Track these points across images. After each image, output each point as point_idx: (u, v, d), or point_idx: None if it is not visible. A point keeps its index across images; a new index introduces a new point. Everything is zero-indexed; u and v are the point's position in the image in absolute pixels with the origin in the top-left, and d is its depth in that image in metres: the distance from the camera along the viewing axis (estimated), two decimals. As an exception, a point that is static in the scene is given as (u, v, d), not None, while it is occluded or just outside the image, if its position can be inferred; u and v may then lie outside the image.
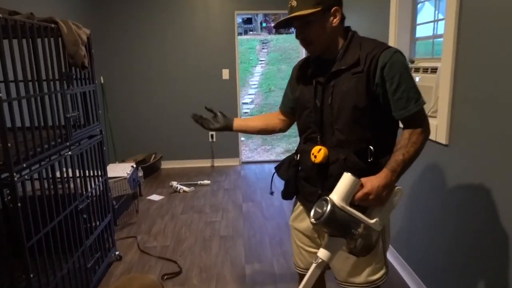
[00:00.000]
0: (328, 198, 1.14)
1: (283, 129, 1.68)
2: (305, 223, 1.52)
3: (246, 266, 2.62)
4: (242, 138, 5.69)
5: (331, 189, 1.21)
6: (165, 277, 2.50)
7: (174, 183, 4.20)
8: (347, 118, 1.28)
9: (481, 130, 1.65)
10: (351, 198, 1.17)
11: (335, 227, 1.14)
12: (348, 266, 1.41)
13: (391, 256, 2.64)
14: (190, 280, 2.44)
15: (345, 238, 1.15)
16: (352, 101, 1.26)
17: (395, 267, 2.56)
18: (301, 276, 1.61)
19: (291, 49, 14.20)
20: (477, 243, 1.71)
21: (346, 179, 1.17)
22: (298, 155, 1.47)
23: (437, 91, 2.03)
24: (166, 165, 5.05)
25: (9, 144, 1.52)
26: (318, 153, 1.33)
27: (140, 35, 4.74)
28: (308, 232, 1.52)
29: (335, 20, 1.28)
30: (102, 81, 4.72)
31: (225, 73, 4.92)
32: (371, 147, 1.29)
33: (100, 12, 4.62)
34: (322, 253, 1.18)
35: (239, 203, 3.76)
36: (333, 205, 1.13)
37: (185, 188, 4.14)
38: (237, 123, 1.63)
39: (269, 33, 18.58)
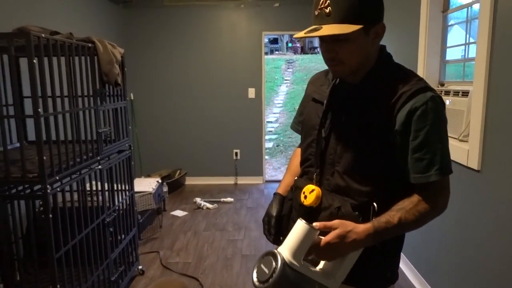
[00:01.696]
0: (277, 254, 0.91)
1: None
2: None
3: (268, 287, 2.58)
4: (267, 157, 5.70)
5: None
6: (186, 294, 2.49)
7: (198, 200, 4.23)
8: (352, 161, 1.05)
9: (516, 157, 1.59)
10: (305, 252, 0.94)
11: None
12: None
13: (418, 282, 2.55)
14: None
15: None
16: (362, 140, 1.04)
17: (422, 295, 2.46)
18: None
19: (316, 69, 14.23)
20: (508, 276, 1.63)
21: (300, 228, 0.93)
22: (293, 189, 1.24)
23: (468, 115, 1.99)
24: (190, 181, 5.10)
25: (44, 157, 1.58)
26: (310, 194, 1.10)
27: (168, 54, 4.88)
28: None
29: (376, 39, 1.03)
30: (132, 98, 4.86)
31: (251, 92, 4.98)
32: (375, 204, 1.04)
33: (130, 32, 4.80)
34: None
35: (261, 222, 3.73)
36: (284, 264, 0.89)
37: (208, 205, 4.16)
38: (283, 192, 1.32)
39: (295, 53, 18.79)
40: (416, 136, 0.99)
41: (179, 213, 4.02)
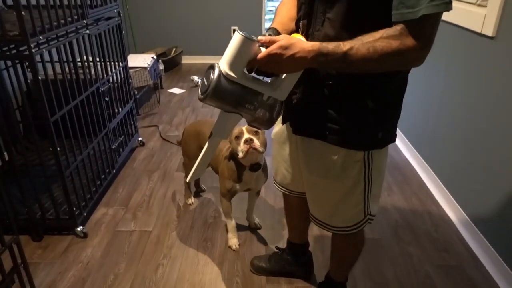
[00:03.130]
0: (215, 65, 0.93)
1: None
2: (277, 127, 1.34)
3: (266, 158, 2.66)
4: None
5: (305, 97, 1.04)
6: (186, 163, 2.59)
7: (195, 78, 4.14)
8: (346, 5, 0.93)
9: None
10: (245, 64, 0.92)
11: (224, 100, 0.94)
12: (316, 199, 1.23)
13: (410, 154, 2.63)
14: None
15: (239, 113, 0.98)
16: None
17: (416, 170, 2.56)
18: (284, 196, 1.52)
19: None
20: None
21: (236, 40, 0.90)
22: None
23: (492, -25, 1.79)
24: (186, 60, 4.93)
25: (23, 13, 1.43)
26: None
27: None
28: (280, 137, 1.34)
29: None
30: (119, -35, 4.40)
31: (251, -40, 4.49)
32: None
33: None
34: (216, 130, 1.03)
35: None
36: (220, 75, 0.91)
37: (206, 83, 4.09)
38: (278, 26, 1.14)
39: None
40: None
41: (176, 90, 3.97)
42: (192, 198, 2.23)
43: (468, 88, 1.94)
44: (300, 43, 0.90)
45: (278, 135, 1.35)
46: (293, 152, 1.28)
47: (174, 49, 4.77)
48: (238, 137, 1.60)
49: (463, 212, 1.97)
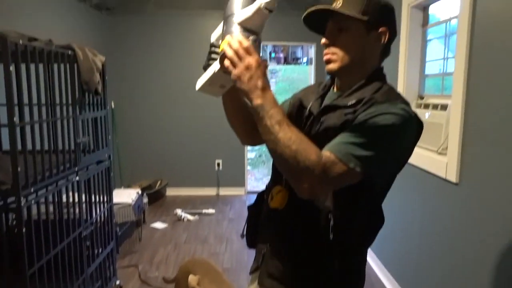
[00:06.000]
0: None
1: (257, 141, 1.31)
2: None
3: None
4: (248, 168, 5.68)
5: (280, 252, 1.06)
6: (166, 309, 2.43)
7: (179, 211, 4.16)
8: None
9: (493, 168, 1.62)
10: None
11: None
12: None
13: (400, 295, 2.55)
14: None
15: None
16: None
17: (403, 307, 2.47)
18: None
19: (299, 79, 14.29)
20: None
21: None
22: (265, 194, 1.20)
23: (447, 128, 2.03)
24: (171, 192, 5.02)
25: (19, 169, 1.51)
26: (277, 194, 1.07)
27: (151, 62, 4.83)
28: None
29: (376, 42, 1.02)
30: (113, 106, 4.78)
31: (234, 103, 4.96)
32: (331, 216, 0.98)
33: (113, 39, 4.74)
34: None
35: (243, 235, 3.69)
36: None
37: (189, 217, 4.10)
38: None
39: (278, 63, 18.85)
40: (356, 124, 0.94)
41: (159, 225, 3.94)
42: None
43: (441, 229, 2.01)
44: (258, 77, 0.99)
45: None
46: None
47: (159, 182, 4.89)
48: None
49: None
